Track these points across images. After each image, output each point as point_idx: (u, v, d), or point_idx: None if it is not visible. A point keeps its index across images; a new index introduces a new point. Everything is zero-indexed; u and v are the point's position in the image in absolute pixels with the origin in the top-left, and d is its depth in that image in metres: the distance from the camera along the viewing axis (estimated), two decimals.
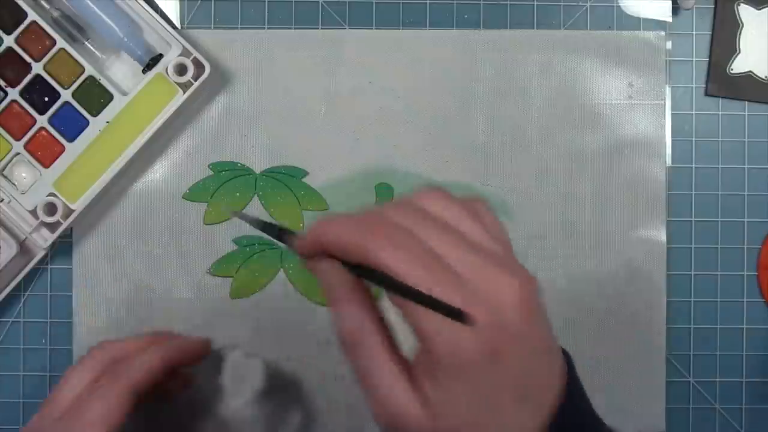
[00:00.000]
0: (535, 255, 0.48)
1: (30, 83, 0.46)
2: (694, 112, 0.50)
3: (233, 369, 0.43)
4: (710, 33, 0.50)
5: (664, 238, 0.49)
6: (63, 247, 0.48)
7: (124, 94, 0.46)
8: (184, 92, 0.46)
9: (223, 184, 0.48)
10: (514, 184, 0.49)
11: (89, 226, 0.48)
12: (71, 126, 0.46)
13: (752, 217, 0.50)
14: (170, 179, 0.48)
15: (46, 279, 0.48)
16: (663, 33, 0.49)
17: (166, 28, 0.46)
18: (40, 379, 0.48)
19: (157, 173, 0.48)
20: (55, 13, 0.47)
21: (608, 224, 0.49)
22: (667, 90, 0.49)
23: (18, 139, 0.46)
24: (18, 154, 0.46)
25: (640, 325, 0.48)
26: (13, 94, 0.46)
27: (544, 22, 0.49)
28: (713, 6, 0.50)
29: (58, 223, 0.46)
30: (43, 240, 0.46)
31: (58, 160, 0.46)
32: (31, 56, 0.46)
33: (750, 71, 0.50)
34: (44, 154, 0.46)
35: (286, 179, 0.48)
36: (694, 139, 0.50)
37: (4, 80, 0.46)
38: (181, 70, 0.46)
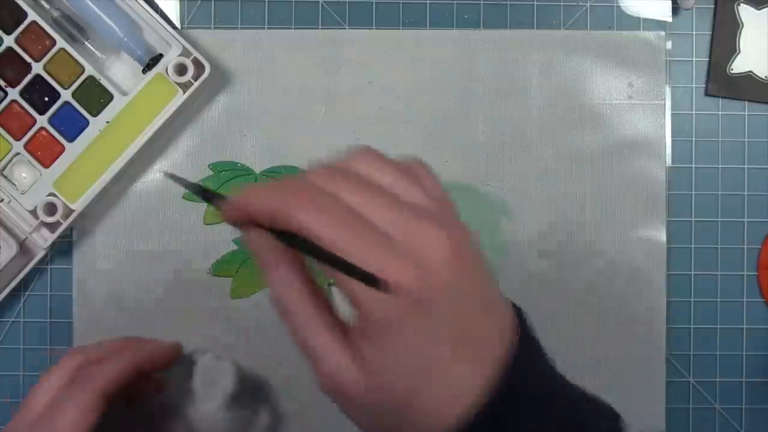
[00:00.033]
0: (535, 255, 0.48)
1: (30, 83, 0.46)
2: (694, 112, 0.50)
3: (204, 372, 0.43)
4: (710, 33, 0.50)
5: (664, 238, 0.49)
6: (63, 247, 0.48)
7: (124, 94, 0.46)
8: (184, 92, 0.46)
9: (223, 184, 0.48)
10: (514, 184, 0.49)
11: (89, 226, 0.48)
12: (71, 126, 0.46)
13: (752, 217, 0.50)
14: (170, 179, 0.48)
15: (46, 279, 0.48)
16: (663, 33, 0.49)
17: (166, 28, 0.46)
18: None
19: (157, 173, 0.48)
20: (55, 13, 0.47)
21: (608, 224, 0.49)
22: (667, 90, 0.49)
23: (18, 139, 0.46)
24: (18, 154, 0.46)
25: (640, 325, 0.48)
26: (13, 94, 0.46)
27: (544, 22, 0.49)
28: (713, 6, 0.50)
29: (58, 223, 0.46)
30: (43, 240, 0.46)
31: (58, 160, 0.46)
32: (31, 56, 0.46)
33: (750, 71, 0.50)
34: (44, 154, 0.46)
35: None
36: (694, 139, 0.50)
37: (4, 80, 0.46)
38: (181, 70, 0.46)
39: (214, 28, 0.49)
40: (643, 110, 0.49)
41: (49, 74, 0.46)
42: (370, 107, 0.48)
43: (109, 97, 0.46)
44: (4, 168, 0.47)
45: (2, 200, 0.46)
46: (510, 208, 0.48)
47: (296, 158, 0.48)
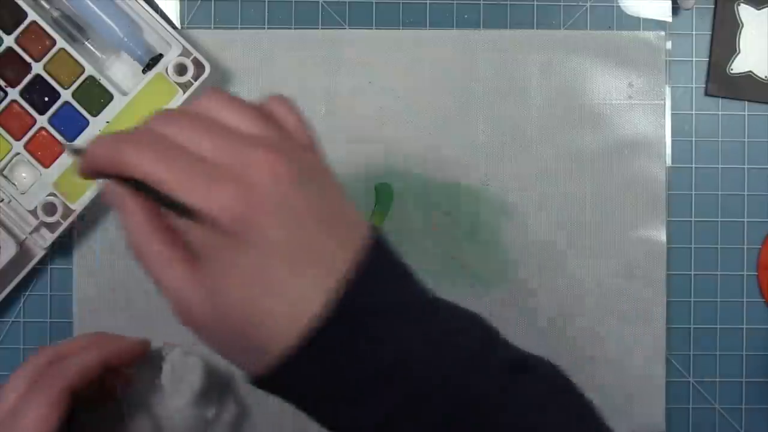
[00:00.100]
0: (535, 255, 0.48)
1: (30, 83, 0.46)
2: (694, 112, 0.50)
3: (172, 368, 0.43)
4: (710, 33, 0.50)
5: (664, 238, 0.49)
6: (63, 247, 0.48)
7: (124, 94, 0.46)
8: (184, 92, 0.46)
9: None
10: (514, 184, 0.49)
11: (89, 226, 0.48)
12: (71, 126, 0.46)
13: (752, 217, 0.50)
14: None
15: (46, 279, 0.48)
16: (663, 33, 0.49)
17: (166, 28, 0.46)
18: None
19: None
20: (55, 13, 0.47)
21: (608, 224, 0.49)
22: (667, 90, 0.49)
23: (18, 139, 0.46)
24: (18, 154, 0.46)
25: (640, 325, 0.48)
26: (13, 94, 0.46)
27: (544, 22, 0.49)
28: (713, 6, 0.50)
29: (58, 223, 0.46)
30: (43, 240, 0.46)
31: (58, 160, 0.46)
32: (31, 56, 0.46)
33: (750, 71, 0.50)
34: (44, 154, 0.46)
35: None
36: (694, 139, 0.50)
37: (4, 80, 0.46)
38: (181, 70, 0.46)
39: (214, 28, 0.49)
40: (643, 110, 0.49)
41: (49, 74, 0.46)
42: (370, 107, 0.48)
43: (109, 97, 0.46)
44: (4, 168, 0.47)
45: (2, 200, 0.46)
46: (510, 208, 0.48)
47: None
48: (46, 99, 0.46)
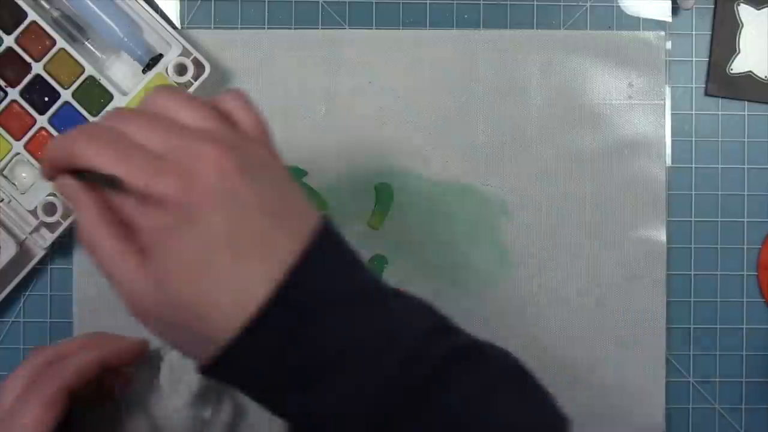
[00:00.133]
0: (535, 255, 0.48)
1: (30, 83, 0.46)
2: (694, 112, 0.50)
3: (170, 369, 0.43)
4: (710, 33, 0.50)
5: (664, 238, 0.49)
6: (63, 247, 0.48)
7: (124, 94, 0.46)
8: None
9: None
10: (514, 184, 0.49)
11: None
12: (71, 126, 0.46)
13: (752, 217, 0.50)
14: None
15: (46, 279, 0.48)
16: (663, 33, 0.49)
17: (166, 28, 0.46)
18: None
19: None
20: (55, 13, 0.47)
21: (608, 224, 0.49)
22: (667, 90, 0.49)
23: (18, 139, 0.46)
24: (18, 154, 0.46)
25: (640, 326, 0.48)
26: (13, 94, 0.46)
27: (544, 22, 0.49)
28: (713, 6, 0.50)
29: (58, 223, 0.46)
30: (43, 240, 0.46)
31: None
32: (31, 56, 0.46)
33: (750, 71, 0.50)
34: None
35: None
36: (694, 139, 0.50)
37: (4, 80, 0.46)
38: (181, 70, 0.46)
39: (214, 28, 0.49)
40: (643, 110, 0.49)
41: (49, 74, 0.46)
42: (370, 107, 0.48)
43: (109, 97, 0.46)
44: (4, 168, 0.47)
45: (2, 200, 0.46)
46: (510, 208, 0.48)
47: (296, 158, 0.48)
48: (46, 99, 0.46)
